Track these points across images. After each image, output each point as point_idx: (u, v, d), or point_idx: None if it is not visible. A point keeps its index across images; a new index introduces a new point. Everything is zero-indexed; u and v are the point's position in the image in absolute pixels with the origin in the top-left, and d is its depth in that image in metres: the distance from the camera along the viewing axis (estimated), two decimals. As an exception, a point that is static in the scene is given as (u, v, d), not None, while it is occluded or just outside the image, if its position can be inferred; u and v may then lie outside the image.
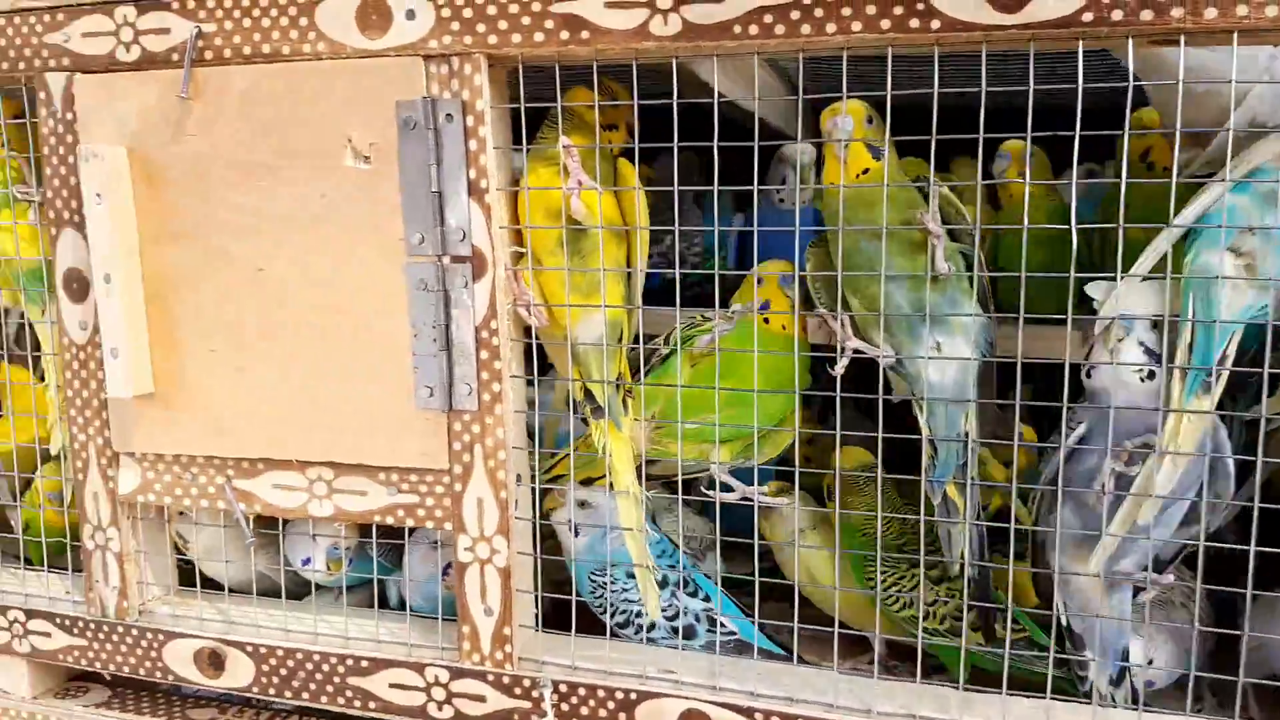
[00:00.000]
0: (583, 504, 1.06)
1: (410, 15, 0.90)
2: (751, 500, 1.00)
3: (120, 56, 1.00)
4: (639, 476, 1.02)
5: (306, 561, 1.14)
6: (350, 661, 1.05)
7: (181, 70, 0.98)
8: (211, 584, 1.19)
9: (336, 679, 1.06)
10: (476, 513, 0.98)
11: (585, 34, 0.86)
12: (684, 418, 0.95)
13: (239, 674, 1.10)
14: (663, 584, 1.05)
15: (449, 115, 0.90)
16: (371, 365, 0.98)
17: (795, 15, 0.80)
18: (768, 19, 0.81)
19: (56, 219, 1.06)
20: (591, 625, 1.05)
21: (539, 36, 0.87)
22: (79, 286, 1.07)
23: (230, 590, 1.18)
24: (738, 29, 0.82)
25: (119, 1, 1.00)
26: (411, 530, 1.09)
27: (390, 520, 1.01)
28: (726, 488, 1.02)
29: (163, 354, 1.05)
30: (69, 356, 1.09)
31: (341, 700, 1.06)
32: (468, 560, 0.99)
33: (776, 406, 1.04)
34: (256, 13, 0.95)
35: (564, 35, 0.86)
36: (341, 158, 0.95)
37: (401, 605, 1.18)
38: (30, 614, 1.18)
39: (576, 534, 1.06)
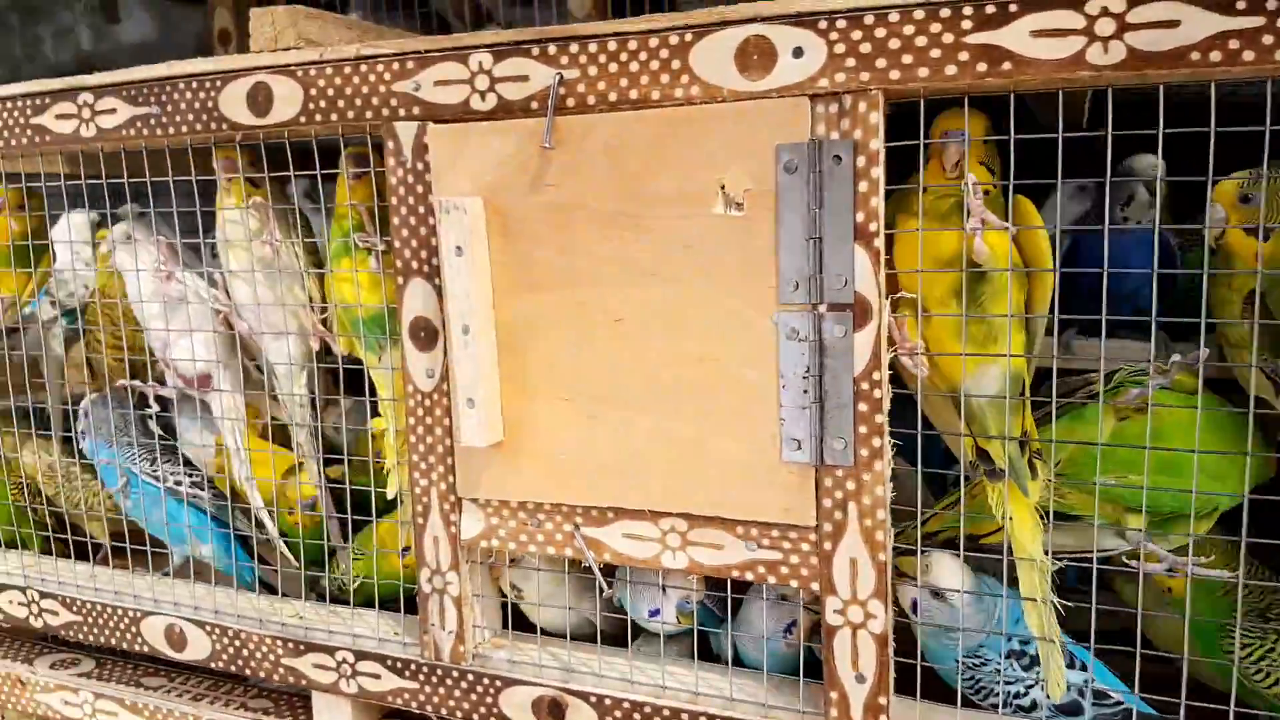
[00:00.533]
0: (937, 595, 0.99)
1: (798, 53, 0.85)
2: (1179, 571, 0.90)
3: (475, 105, 0.99)
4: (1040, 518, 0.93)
5: (654, 613, 1.10)
6: (703, 718, 1.01)
7: (540, 119, 0.96)
8: (531, 628, 1.17)
9: (686, 736, 1.02)
10: (849, 574, 0.92)
11: (1007, 65, 0.78)
12: (1101, 474, 0.86)
13: (581, 725, 1.08)
14: (1023, 657, 0.97)
15: (837, 157, 0.85)
16: (732, 416, 0.94)
17: (1268, 40, 0.71)
18: (1233, 44, 0.72)
19: (404, 268, 1.06)
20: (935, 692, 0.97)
21: (950, 70, 0.80)
22: (427, 335, 1.06)
23: (555, 636, 1.16)
24: (1195, 55, 0.73)
25: (474, 49, 0.98)
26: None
27: (749, 576, 0.97)
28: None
29: (513, 403, 1.03)
30: (413, 403, 1.09)
31: (692, 758, 1.03)
32: (837, 624, 0.93)
33: (1229, 479, 0.91)
34: (625, 57, 0.91)
35: (980, 68, 0.79)
36: (711, 204, 0.91)
37: (728, 659, 1.13)
38: (359, 655, 1.19)
39: (916, 612, 0.99)
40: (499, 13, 2.00)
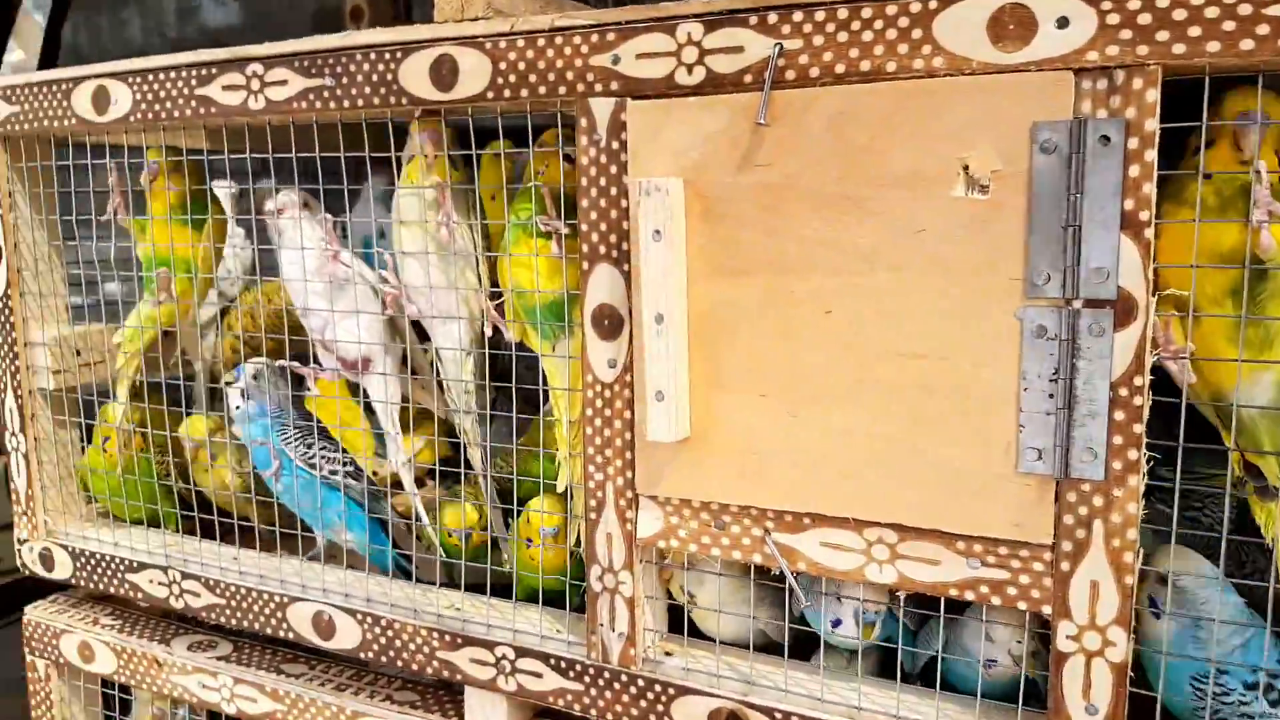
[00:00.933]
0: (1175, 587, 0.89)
1: (1062, 23, 0.76)
2: None
3: (680, 79, 0.92)
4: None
5: (836, 624, 1.03)
6: (902, 744, 0.93)
7: (753, 93, 0.88)
8: (701, 636, 1.11)
9: (882, 760, 0.94)
10: (1088, 597, 0.83)
11: (1322, 37, 0.69)
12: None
13: (761, 741, 1.00)
14: (1271, 690, 0.87)
15: (1105, 137, 0.76)
16: (959, 420, 0.86)
17: None
18: None
19: (591, 253, 1.00)
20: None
21: (1247, 44, 0.71)
22: (610, 324, 1.00)
23: (726, 644, 1.09)
24: None
25: (683, 18, 0.91)
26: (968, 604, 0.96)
27: (969, 595, 0.89)
28: None
29: (703, 396, 0.96)
30: (592, 394, 1.03)
31: (887, 784, 0.95)
32: (1069, 650, 0.85)
33: None
34: (857, 25, 0.83)
35: (1288, 41, 0.70)
36: (950, 186, 0.82)
37: (912, 676, 1.05)
38: (520, 651, 1.13)
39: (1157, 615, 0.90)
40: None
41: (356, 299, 1.18)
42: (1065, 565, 0.84)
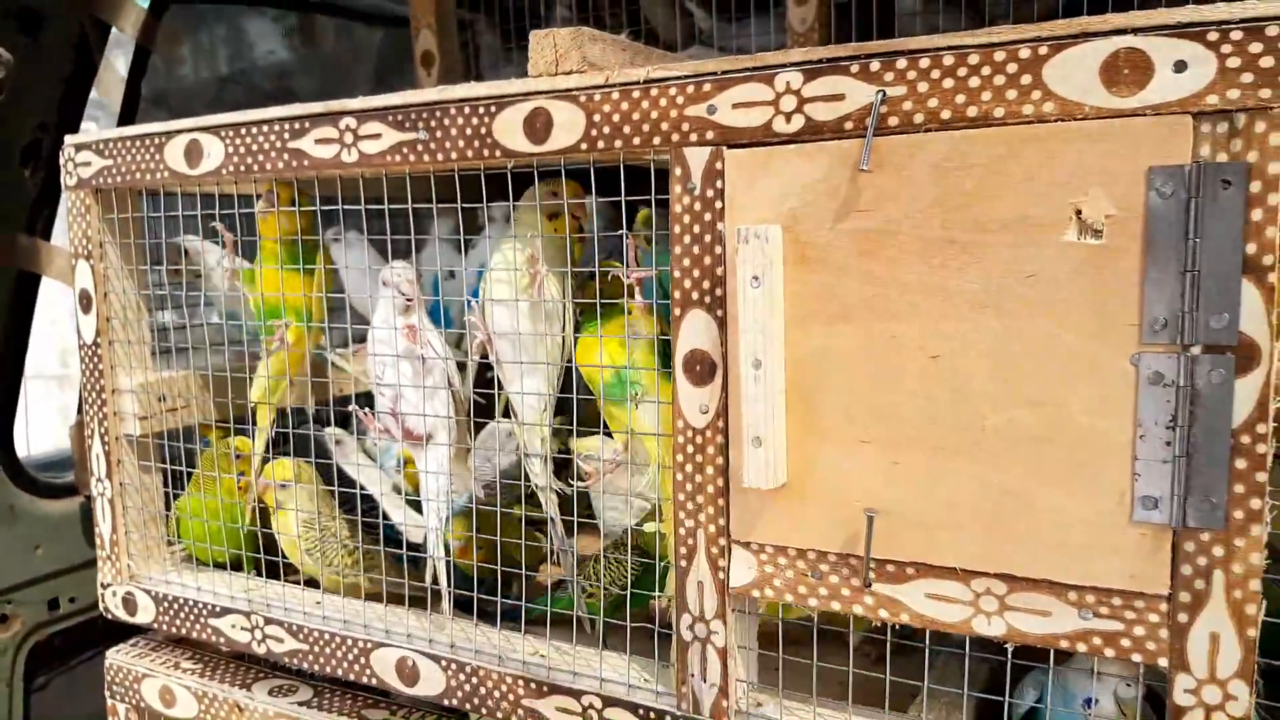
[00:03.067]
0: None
1: (1180, 67, 0.74)
2: None
3: (777, 128, 0.90)
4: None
5: (1090, 703, 0.97)
6: (1010, 800, 0.89)
7: (854, 140, 0.86)
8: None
9: (989, 817, 0.90)
10: (1207, 650, 0.79)
11: None
12: None
13: (859, 795, 0.96)
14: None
15: (1225, 181, 0.73)
16: (1070, 468, 0.82)
17: None
18: None
19: (683, 299, 0.98)
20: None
21: (1376, 84, 0.68)
22: (702, 369, 0.98)
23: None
24: None
25: (781, 68, 0.90)
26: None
27: (1081, 647, 0.84)
28: None
29: (800, 443, 0.94)
30: (683, 440, 1.00)
31: (993, 841, 0.90)
32: (1187, 704, 0.81)
33: None
34: (963, 72, 0.82)
35: None
36: (1061, 231, 0.80)
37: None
38: (607, 701, 1.10)
39: None
40: (712, 33, 1.93)
41: (424, 375, 1.17)
42: (1183, 617, 0.80)
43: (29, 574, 1.99)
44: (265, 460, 1.43)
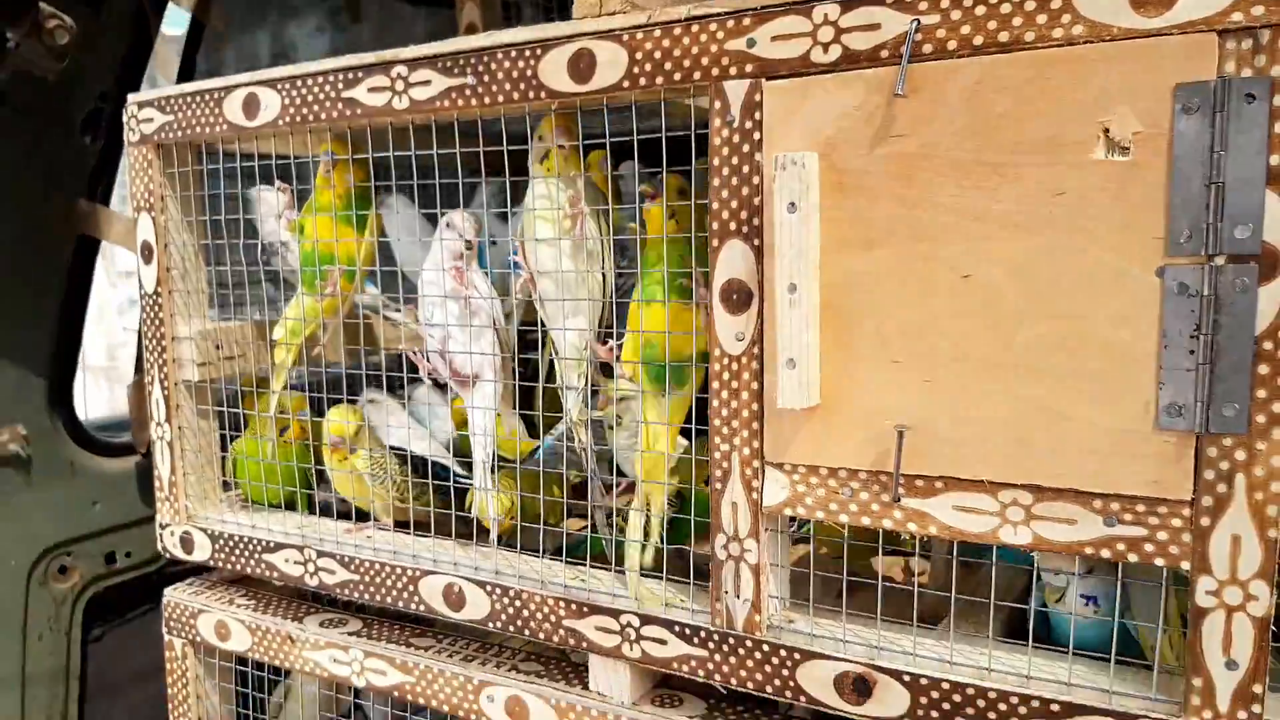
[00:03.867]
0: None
1: (1205, -15, 0.75)
2: None
3: (815, 58, 0.92)
4: None
5: (1091, 601, 0.98)
6: (1035, 704, 0.90)
7: (889, 68, 0.88)
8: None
9: (1014, 720, 0.91)
10: (1228, 552, 0.80)
11: None
12: None
13: (889, 703, 0.98)
14: None
15: (1250, 95, 0.74)
16: (1096, 380, 0.83)
17: None
18: None
19: (721, 230, 1.00)
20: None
21: (1400, -6, 0.69)
22: (739, 298, 0.99)
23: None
24: None
25: (819, 0, 0.91)
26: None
27: (1105, 553, 0.86)
28: None
29: (833, 365, 0.95)
30: (719, 367, 1.02)
31: (1019, 745, 0.91)
32: (1209, 605, 0.82)
33: None
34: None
35: None
36: (1089, 150, 0.81)
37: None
38: (645, 619, 1.12)
39: None
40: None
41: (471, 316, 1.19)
42: (1205, 520, 0.81)
43: (87, 528, 2.03)
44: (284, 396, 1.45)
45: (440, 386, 1.50)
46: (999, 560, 0.95)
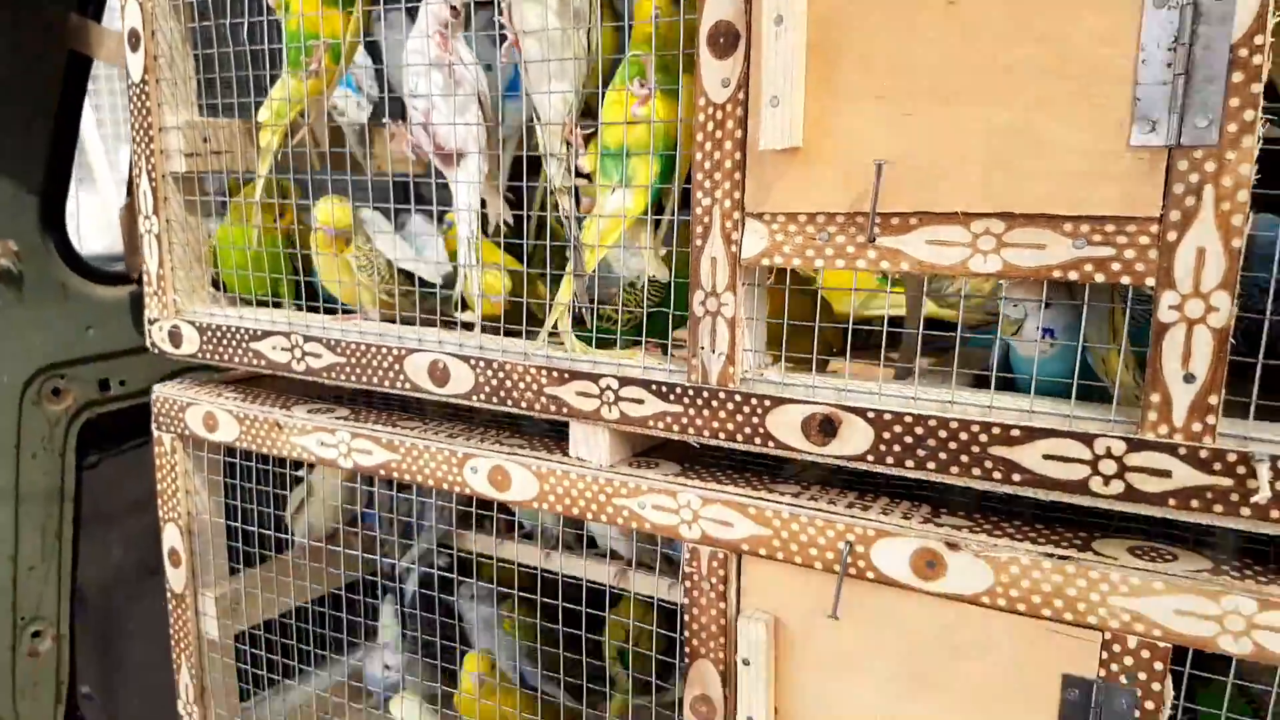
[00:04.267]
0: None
1: None
2: None
3: None
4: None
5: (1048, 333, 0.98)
6: (996, 430, 0.92)
7: None
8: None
9: (975, 449, 0.93)
10: (1193, 265, 0.81)
11: None
12: None
13: (852, 441, 1.00)
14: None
15: None
16: (1074, 100, 0.83)
17: None
18: None
19: (711, -30, 0.98)
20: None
21: None
22: (726, 41, 0.98)
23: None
24: None
25: None
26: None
27: (1073, 275, 0.87)
28: None
29: (817, 105, 0.95)
30: (703, 118, 1.01)
31: (978, 472, 0.94)
32: (1170, 320, 0.83)
33: None
34: None
35: None
36: None
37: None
38: (624, 381, 1.14)
39: None
40: None
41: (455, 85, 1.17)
42: (1172, 235, 0.81)
43: (80, 352, 2.03)
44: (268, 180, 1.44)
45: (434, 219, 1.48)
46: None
